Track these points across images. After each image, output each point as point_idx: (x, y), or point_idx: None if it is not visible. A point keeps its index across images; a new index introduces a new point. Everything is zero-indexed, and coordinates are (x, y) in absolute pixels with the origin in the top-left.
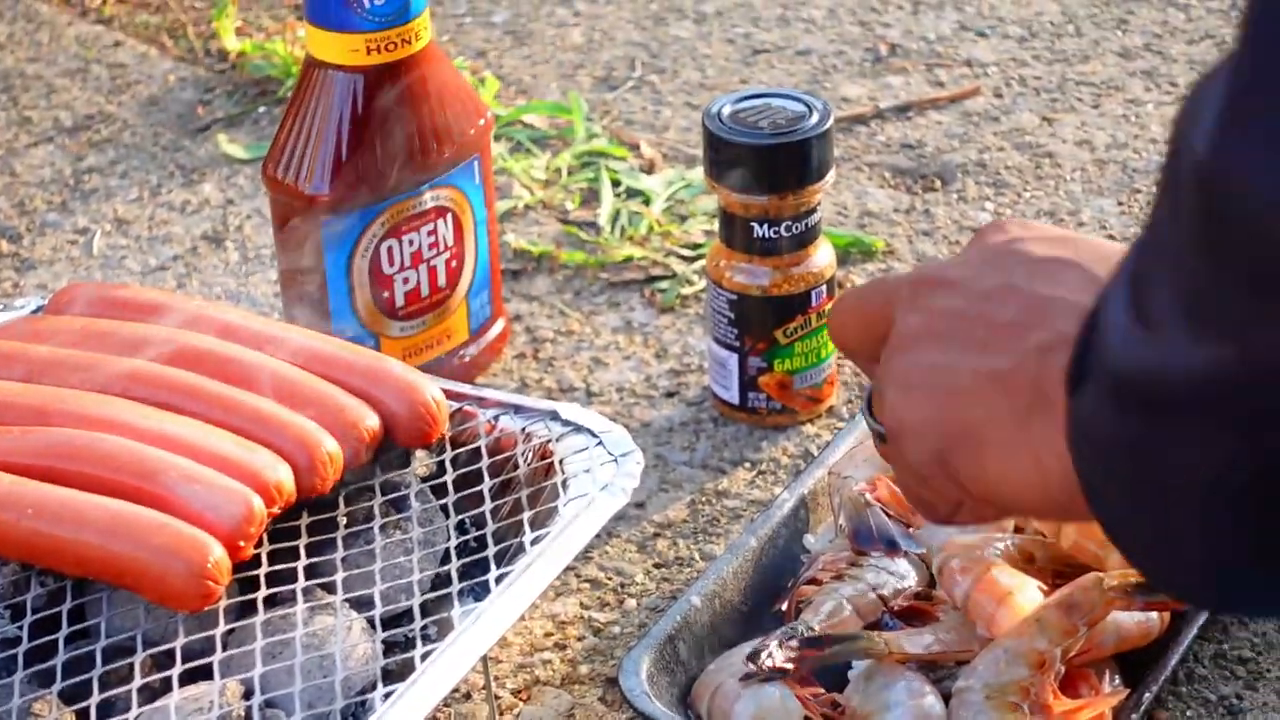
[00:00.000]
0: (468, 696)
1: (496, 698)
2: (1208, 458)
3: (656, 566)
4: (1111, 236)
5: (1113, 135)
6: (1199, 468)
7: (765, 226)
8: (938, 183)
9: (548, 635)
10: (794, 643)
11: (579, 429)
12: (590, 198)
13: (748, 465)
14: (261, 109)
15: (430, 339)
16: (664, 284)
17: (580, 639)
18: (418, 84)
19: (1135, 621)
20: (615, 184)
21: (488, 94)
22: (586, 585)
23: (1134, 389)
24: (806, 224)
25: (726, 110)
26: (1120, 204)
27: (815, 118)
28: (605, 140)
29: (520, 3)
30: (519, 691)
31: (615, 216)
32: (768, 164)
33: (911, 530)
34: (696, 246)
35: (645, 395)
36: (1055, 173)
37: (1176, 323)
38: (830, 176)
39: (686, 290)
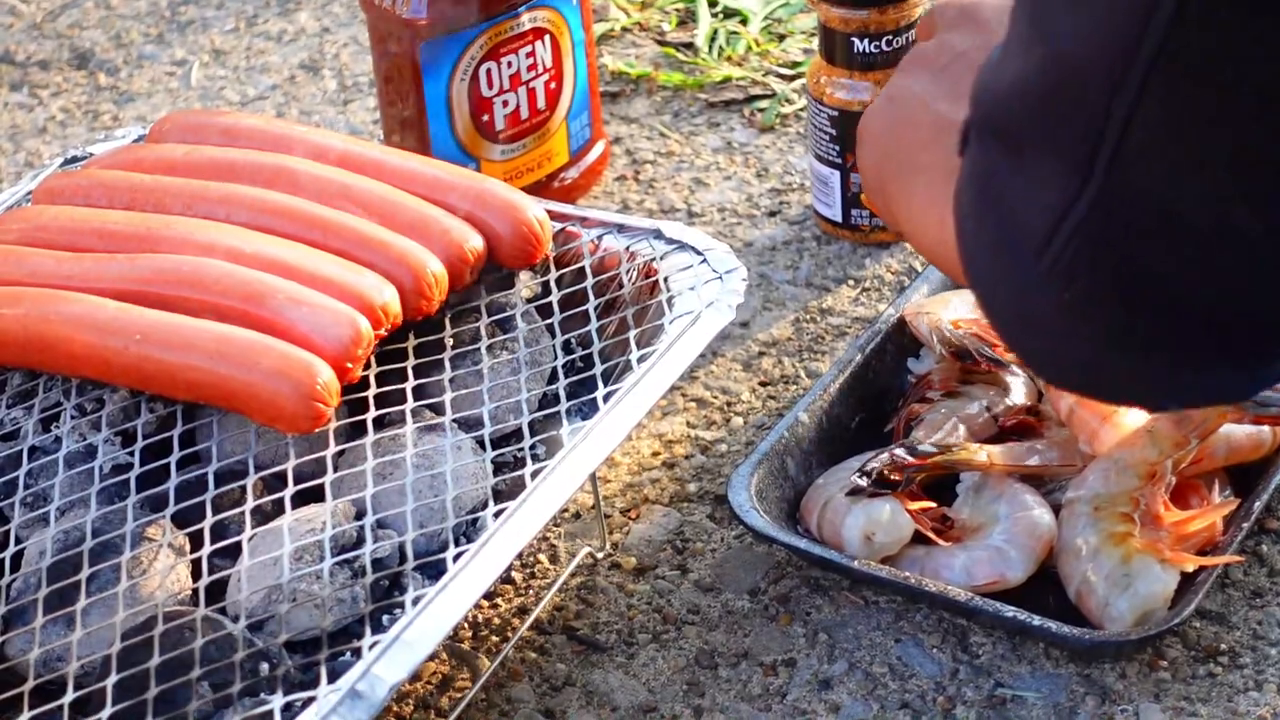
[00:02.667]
0: (577, 516)
1: (606, 516)
2: (1043, 183)
3: (762, 384)
4: None
5: None
6: (1037, 195)
7: (866, 41)
8: None
9: (655, 454)
10: (901, 453)
11: (683, 247)
12: (687, 18)
13: (852, 283)
14: None
15: (531, 162)
16: (764, 103)
17: (688, 457)
18: None
19: (1246, 434)
20: (712, 4)
21: None
22: (693, 404)
23: (987, 117)
24: (907, 38)
25: None
26: None
27: None
28: None
29: None
30: (628, 510)
31: (713, 37)
32: None
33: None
34: (795, 65)
35: (748, 215)
36: None
37: (1016, 38)
38: None
39: (786, 109)
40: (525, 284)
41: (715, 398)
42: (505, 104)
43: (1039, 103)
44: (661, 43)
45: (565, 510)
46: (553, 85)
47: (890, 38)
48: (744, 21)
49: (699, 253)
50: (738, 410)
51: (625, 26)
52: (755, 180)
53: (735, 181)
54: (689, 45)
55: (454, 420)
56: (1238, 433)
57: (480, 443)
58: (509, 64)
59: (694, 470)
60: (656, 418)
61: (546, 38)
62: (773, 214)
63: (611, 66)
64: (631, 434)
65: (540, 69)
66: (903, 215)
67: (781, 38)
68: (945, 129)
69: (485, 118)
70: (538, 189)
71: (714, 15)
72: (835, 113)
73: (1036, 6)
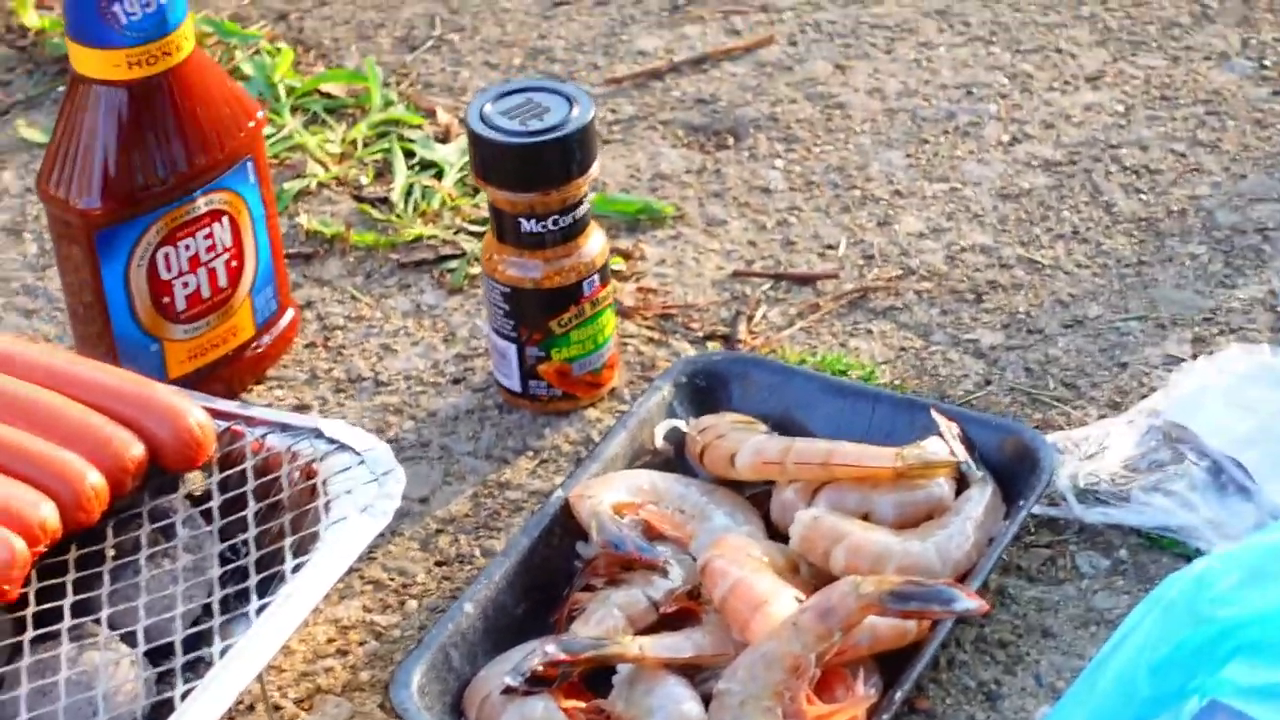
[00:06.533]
0: (251, 709)
1: (278, 708)
2: None
3: (438, 564)
4: (898, 191)
5: (904, 82)
6: None
7: (533, 221)
8: (730, 139)
9: (330, 641)
10: (553, 649)
11: (342, 447)
12: (385, 170)
13: (530, 454)
14: (61, 88)
15: (215, 339)
16: (454, 263)
17: (362, 644)
18: (183, 93)
19: (890, 625)
20: (409, 155)
21: (283, 65)
22: (369, 587)
23: None
24: (573, 216)
25: (489, 108)
26: (908, 156)
27: (577, 111)
28: (402, 107)
29: None
30: (301, 701)
31: (408, 191)
32: (530, 162)
33: (679, 542)
34: (486, 221)
35: (433, 383)
36: (846, 124)
37: None
38: (594, 169)
39: (475, 270)
40: (189, 487)
41: (392, 579)
42: (185, 285)
43: None
44: (358, 198)
45: (239, 702)
46: (234, 263)
47: (556, 217)
48: (439, 175)
49: (358, 454)
50: (413, 593)
51: (322, 181)
52: (442, 345)
53: (423, 347)
54: (385, 200)
55: (115, 635)
56: (881, 624)
57: (141, 656)
58: (187, 247)
59: (367, 657)
60: (333, 601)
61: (225, 219)
62: (457, 381)
63: (306, 225)
64: (307, 620)
65: (220, 249)
66: None
67: (476, 191)
68: None
69: (165, 300)
70: (226, 363)
71: (411, 168)
72: (508, 289)
73: None
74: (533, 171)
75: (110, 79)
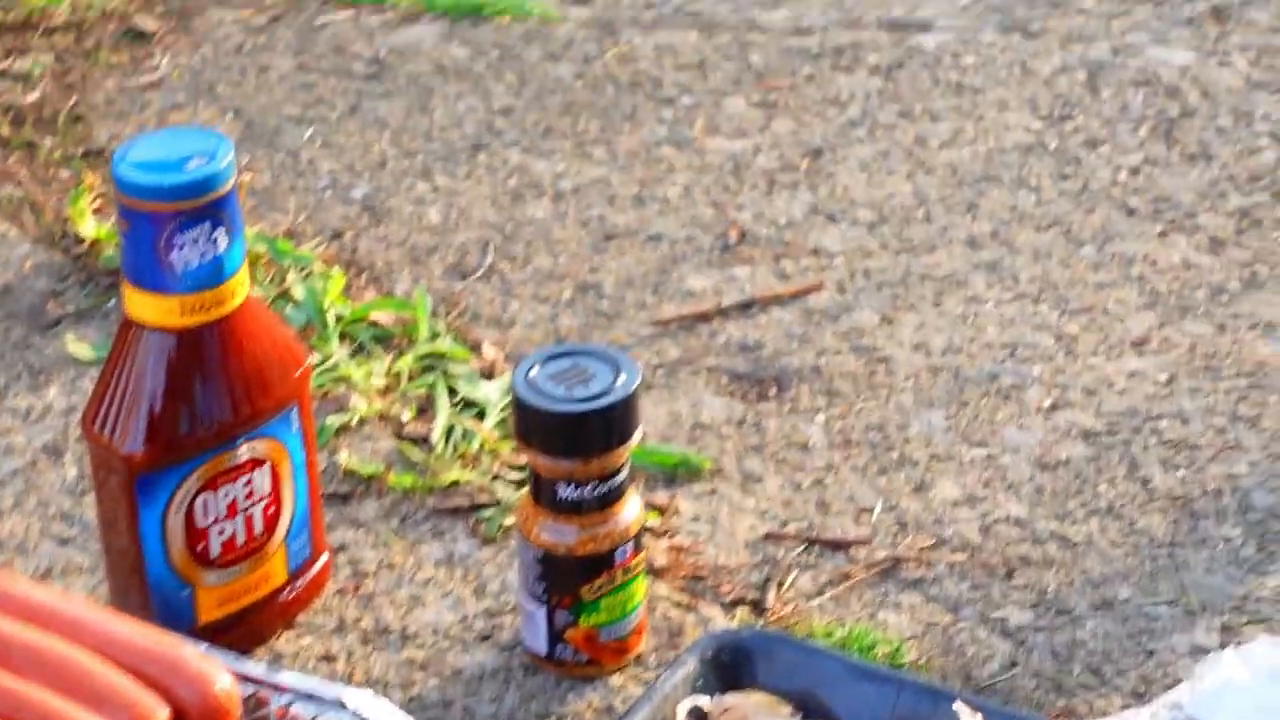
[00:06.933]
0: None
1: None
2: None
3: None
4: (936, 455)
5: (950, 338)
6: None
7: (571, 487)
8: (773, 389)
9: None
10: None
11: None
12: (428, 405)
13: (553, 718)
14: (112, 302)
15: (248, 584)
16: (488, 512)
17: None
18: (233, 341)
19: None
20: (453, 392)
21: (333, 291)
22: None
23: None
24: (611, 485)
25: (534, 372)
26: (949, 418)
27: (622, 379)
28: (449, 339)
29: (381, 175)
30: None
31: (449, 432)
32: (572, 430)
33: None
34: (525, 468)
35: (460, 638)
36: (889, 380)
37: None
38: (636, 437)
39: (509, 520)
40: None
41: None
42: (221, 532)
43: None
44: (399, 436)
45: None
46: (271, 510)
47: (595, 484)
48: (481, 414)
49: None
50: None
51: (364, 417)
52: (472, 598)
53: (452, 600)
54: (425, 439)
55: None
56: None
57: None
58: (226, 494)
59: None
60: None
61: (265, 466)
62: (485, 638)
63: (344, 464)
64: None
65: (258, 496)
66: None
67: None
68: None
69: (200, 546)
70: (257, 610)
71: (454, 405)
72: (541, 552)
73: None
74: (574, 439)
75: (163, 325)
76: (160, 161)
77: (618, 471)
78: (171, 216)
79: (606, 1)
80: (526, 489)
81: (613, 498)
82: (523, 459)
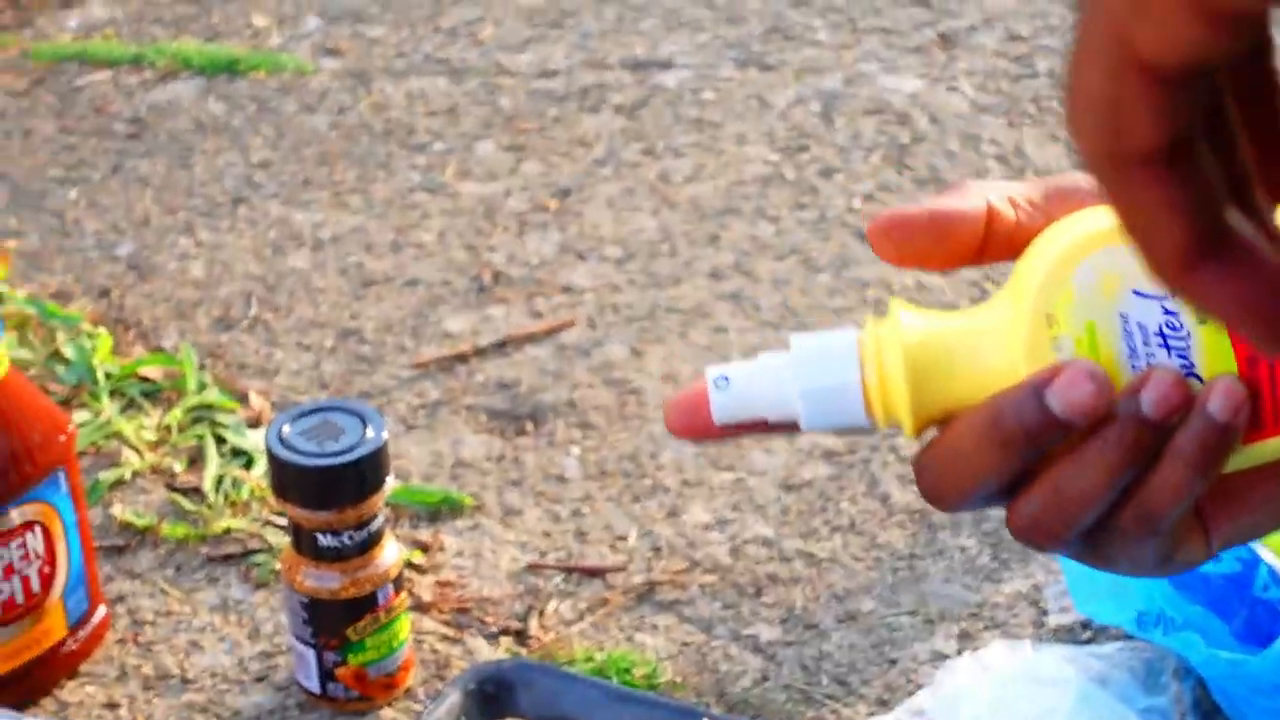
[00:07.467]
0: None
1: None
2: None
3: None
4: (687, 481)
5: (696, 368)
6: None
7: (330, 536)
8: (530, 425)
9: None
10: None
11: None
12: (199, 456)
13: None
14: None
15: (29, 640)
16: (260, 558)
17: None
18: None
19: None
20: (221, 441)
21: (102, 350)
22: None
23: None
24: (369, 531)
25: (287, 429)
26: (698, 451)
27: (370, 432)
28: (216, 391)
29: (145, 233)
30: None
31: (219, 481)
32: (326, 483)
33: None
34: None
35: (237, 680)
36: (639, 411)
37: None
38: (388, 485)
39: (279, 565)
40: None
41: None
42: (0, 593)
43: None
44: (171, 488)
45: None
46: (46, 570)
47: (352, 532)
48: (249, 463)
49: None
50: None
51: (137, 470)
52: (247, 641)
53: (228, 643)
54: (196, 489)
55: None
56: None
57: None
58: (1, 557)
59: None
60: None
61: (37, 528)
62: (261, 679)
63: (119, 517)
64: None
65: (33, 557)
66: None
67: None
68: None
69: None
70: (39, 663)
71: (222, 455)
72: (306, 599)
73: None
74: (329, 492)
75: None
76: None
77: (374, 518)
78: None
79: (358, 52)
80: (289, 540)
81: (371, 543)
82: None
